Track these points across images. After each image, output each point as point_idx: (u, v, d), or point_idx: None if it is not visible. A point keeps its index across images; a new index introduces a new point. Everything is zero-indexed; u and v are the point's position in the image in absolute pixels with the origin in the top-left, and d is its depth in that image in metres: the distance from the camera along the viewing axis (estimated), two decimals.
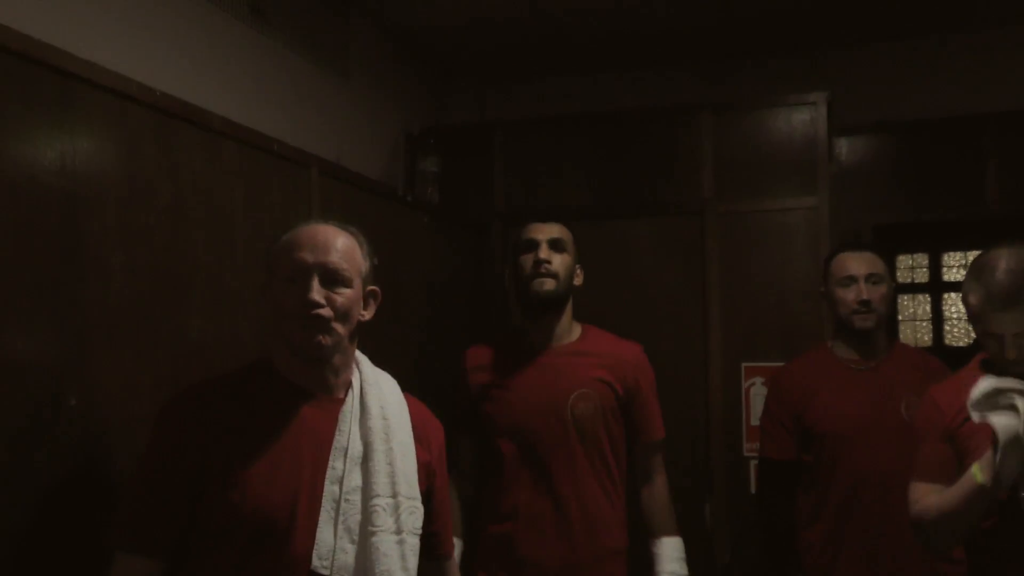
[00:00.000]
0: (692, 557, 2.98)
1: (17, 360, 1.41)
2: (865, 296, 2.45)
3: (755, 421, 3.02)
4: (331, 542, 1.44)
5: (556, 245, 2.32)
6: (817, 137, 3.12)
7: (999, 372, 1.85)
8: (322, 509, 1.45)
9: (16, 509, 1.40)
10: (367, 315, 1.57)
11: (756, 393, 3.04)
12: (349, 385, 1.56)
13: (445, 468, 1.71)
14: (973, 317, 1.91)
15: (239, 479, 1.40)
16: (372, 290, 1.59)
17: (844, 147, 3.53)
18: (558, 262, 2.30)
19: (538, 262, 2.27)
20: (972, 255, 4.98)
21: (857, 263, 2.49)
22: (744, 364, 3.07)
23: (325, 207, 2.31)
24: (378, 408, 1.55)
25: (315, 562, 1.42)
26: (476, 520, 2.35)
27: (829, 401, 2.47)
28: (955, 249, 4.83)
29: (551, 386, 2.27)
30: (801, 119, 3.15)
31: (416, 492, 1.57)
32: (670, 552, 2.33)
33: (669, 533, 2.35)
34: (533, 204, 3.34)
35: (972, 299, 1.88)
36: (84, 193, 1.56)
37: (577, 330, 2.38)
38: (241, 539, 1.39)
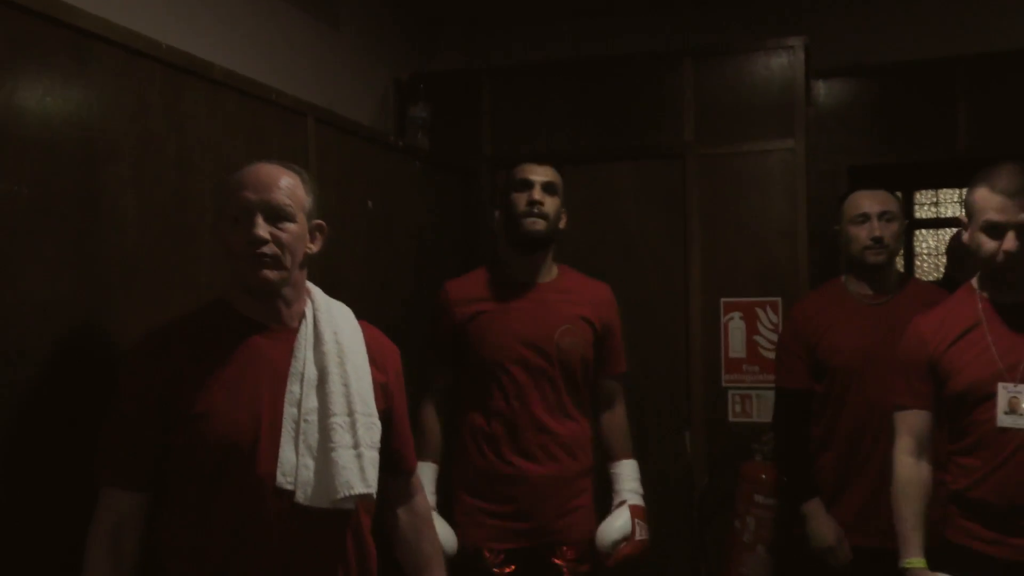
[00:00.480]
0: (672, 482, 3.20)
1: (42, 303, 1.53)
2: (878, 233, 2.57)
3: (733, 354, 3.18)
4: (293, 460, 1.54)
5: (549, 188, 2.44)
6: (795, 81, 3.21)
7: (992, 284, 2.09)
8: (283, 430, 1.55)
9: (44, 436, 1.53)
10: (314, 248, 1.65)
11: (734, 327, 3.19)
12: (302, 315, 1.65)
13: (403, 390, 1.81)
14: (972, 216, 2.08)
15: (204, 409, 1.50)
16: (318, 224, 1.67)
17: (822, 90, 3.63)
18: (550, 204, 2.42)
19: (532, 202, 2.39)
20: (943, 193, 5.13)
21: (871, 201, 2.60)
22: (723, 300, 3.21)
23: (321, 155, 2.41)
24: (331, 334, 1.64)
25: (279, 479, 1.52)
26: (455, 445, 2.49)
27: (840, 334, 2.60)
28: (927, 188, 4.98)
29: (539, 320, 2.41)
30: (779, 63, 3.24)
31: (372, 409, 1.66)
32: (629, 472, 2.52)
33: (628, 455, 2.54)
34: (520, 149, 3.43)
35: (976, 195, 2.06)
36: (100, 146, 1.66)
37: (555, 269, 2.52)
38: (211, 463, 1.50)
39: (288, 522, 1.53)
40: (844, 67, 3.61)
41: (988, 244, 2.04)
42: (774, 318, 3.14)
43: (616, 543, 2.37)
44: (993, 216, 2.02)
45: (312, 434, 1.58)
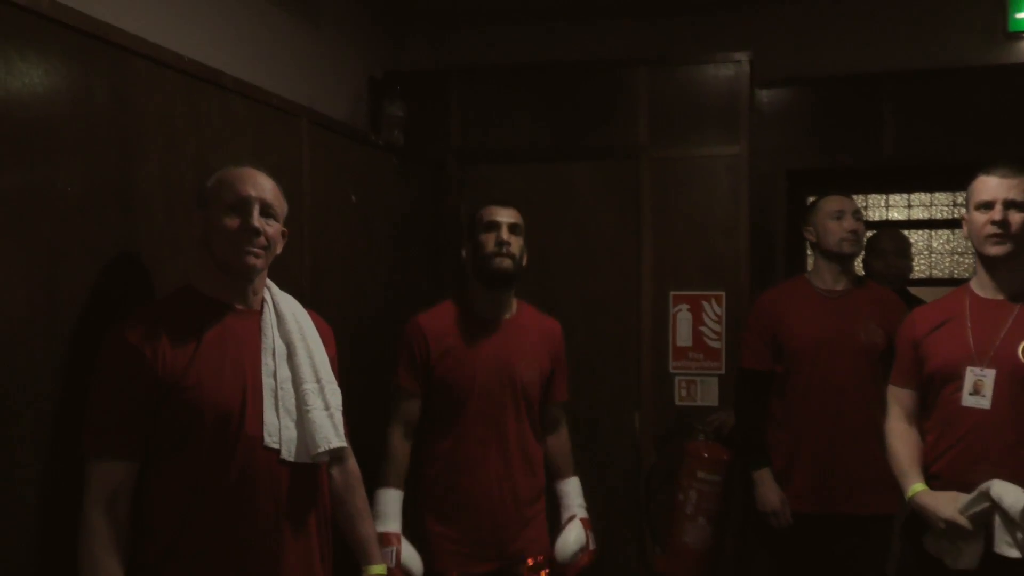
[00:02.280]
0: (622, 460, 3.47)
1: (89, 286, 1.73)
2: (854, 227, 2.96)
3: (680, 342, 3.45)
4: (276, 422, 1.77)
5: (514, 229, 2.64)
6: (740, 92, 3.48)
7: (987, 275, 2.33)
8: (264, 398, 1.76)
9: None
10: (279, 250, 1.88)
11: (682, 318, 3.46)
12: (263, 299, 1.87)
13: (337, 364, 2.00)
14: (968, 202, 2.35)
15: (193, 381, 1.67)
16: (284, 231, 1.89)
17: (764, 98, 3.92)
18: (515, 244, 2.62)
19: (500, 242, 2.58)
20: (872, 198, 5.50)
21: (846, 202, 3.02)
22: (672, 292, 3.48)
23: (313, 152, 2.61)
24: (291, 315, 1.88)
25: (266, 439, 1.75)
26: (421, 472, 2.65)
27: (798, 321, 2.94)
28: (857, 192, 5.34)
29: (504, 356, 2.62)
30: (727, 75, 3.51)
31: (333, 378, 1.92)
32: (575, 489, 2.80)
33: (572, 474, 2.83)
34: (485, 145, 3.65)
35: (972, 184, 2.33)
36: (133, 146, 1.85)
37: (514, 304, 2.73)
38: (206, 428, 1.68)
39: (274, 477, 1.76)
40: (784, 78, 3.90)
41: (980, 219, 2.28)
42: (718, 310, 3.42)
43: (575, 554, 2.64)
44: (985, 195, 2.28)
45: (289, 400, 1.81)
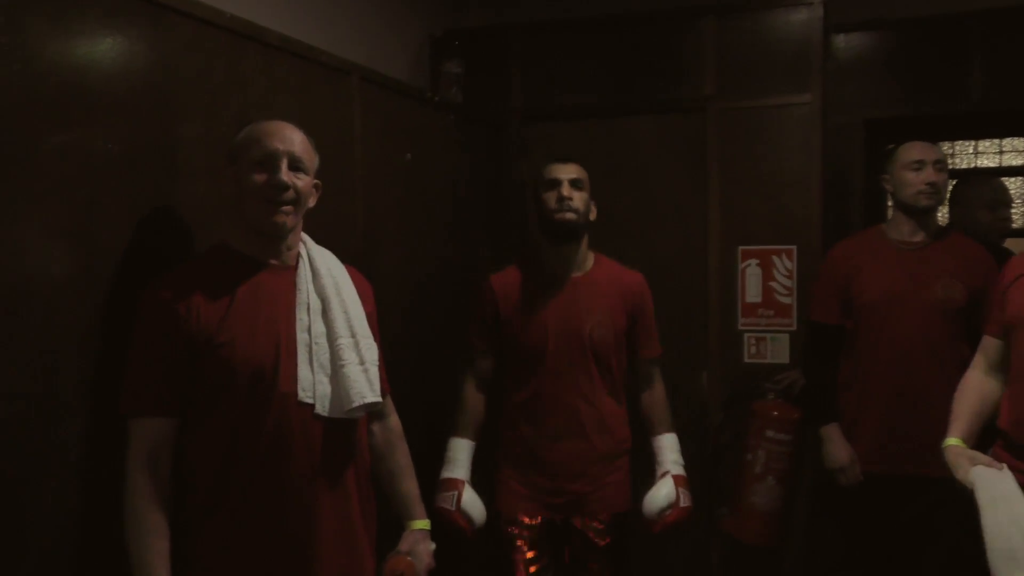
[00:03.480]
0: (690, 418, 3.40)
1: (129, 247, 1.75)
2: (933, 178, 2.79)
3: (749, 299, 3.35)
4: (310, 377, 1.76)
5: (576, 184, 2.63)
6: (812, 36, 3.33)
7: None
8: (298, 353, 1.75)
9: None
10: (312, 203, 1.86)
11: (751, 274, 3.36)
12: (298, 255, 1.85)
13: (377, 321, 1.99)
14: None
15: (229, 338, 1.67)
16: (317, 183, 1.87)
17: (841, 43, 3.74)
18: (578, 199, 2.62)
19: (561, 199, 2.58)
20: (958, 145, 5.22)
21: (927, 150, 2.83)
22: (740, 248, 3.37)
23: (364, 111, 2.59)
24: (326, 270, 1.86)
25: (300, 395, 1.74)
26: (500, 423, 2.73)
27: (872, 275, 2.81)
28: (942, 140, 5.07)
29: (573, 314, 2.62)
30: (799, 19, 3.35)
31: (368, 333, 1.89)
32: (670, 444, 2.74)
33: (668, 430, 2.76)
34: (548, 103, 3.59)
35: None
36: (174, 106, 1.86)
37: (591, 259, 2.72)
38: (240, 385, 1.68)
39: (309, 431, 1.75)
40: (862, 21, 3.70)
41: None
42: (789, 265, 3.31)
43: (662, 510, 2.59)
44: None
45: (323, 354, 1.80)
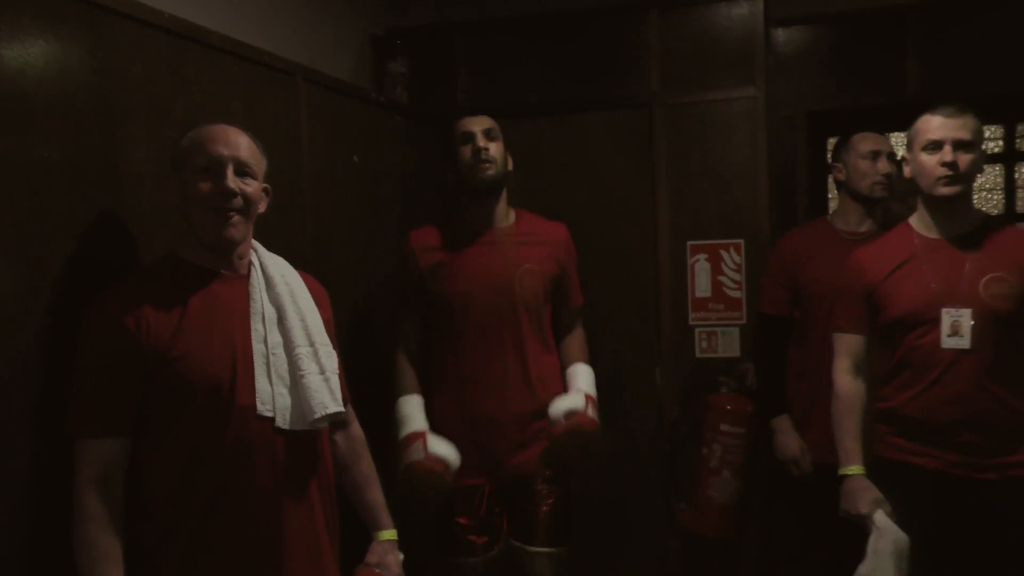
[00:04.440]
0: (644, 414, 3.41)
1: (76, 258, 1.67)
2: (888, 169, 2.86)
3: (699, 293, 3.37)
4: (269, 389, 1.70)
5: (489, 134, 2.60)
6: (755, 31, 3.35)
7: (930, 216, 2.32)
8: (255, 365, 1.70)
9: None
10: (262, 209, 1.80)
11: (700, 268, 3.37)
12: (249, 263, 1.79)
13: (333, 327, 1.94)
14: (913, 144, 2.33)
15: (180, 352, 1.61)
16: (266, 187, 1.81)
17: (780, 38, 3.78)
18: (494, 149, 2.59)
19: (477, 150, 2.56)
20: (893, 136, 5.33)
21: (879, 142, 2.91)
22: (689, 242, 3.38)
23: (310, 113, 2.53)
24: (280, 277, 1.81)
25: (259, 407, 1.68)
26: (428, 389, 2.63)
27: (820, 265, 2.83)
28: (881, 131, 5.19)
29: (499, 265, 2.57)
30: (740, 13, 3.38)
31: (327, 340, 1.85)
32: (584, 372, 2.69)
33: (585, 362, 2.72)
34: (494, 101, 3.54)
35: (916, 124, 2.34)
36: (115, 111, 1.79)
37: (512, 214, 2.68)
38: (197, 400, 1.62)
39: (271, 446, 1.69)
40: (801, 15, 3.73)
41: (929, 160, 2.26)
42: (737, 259, 3.33)
43: (567, 412, 2.52)
44: (933, 135, 2.26)
45: (281, 365, 1.74)
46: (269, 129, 2.27)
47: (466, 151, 2.58)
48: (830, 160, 3.07)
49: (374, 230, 2.92)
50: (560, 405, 2.54)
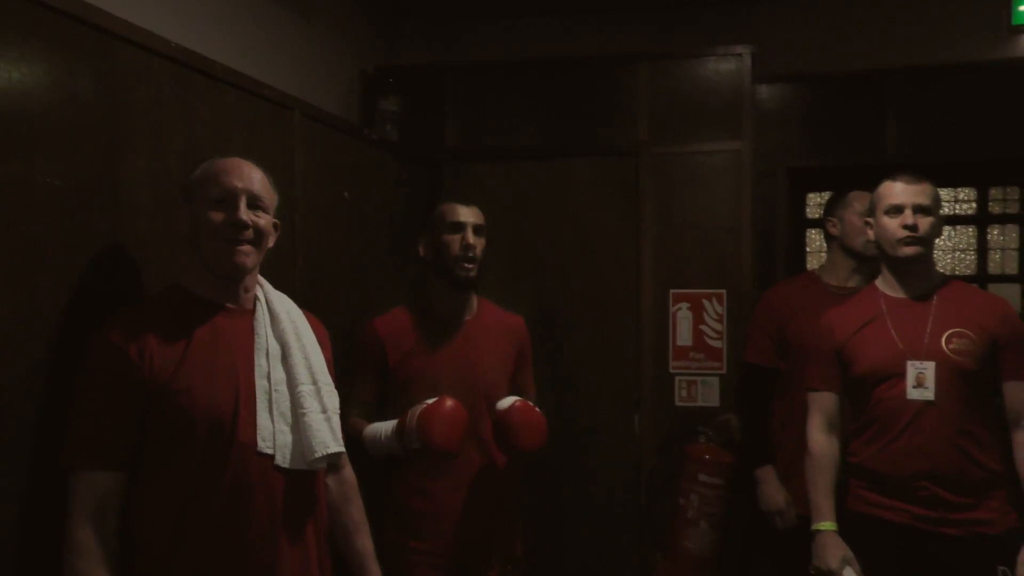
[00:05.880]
0: (622, 461, 3.39)
1: (75, 286, 1.64)
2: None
3: (681, 342, 3.38)
4: (270, 426, 1.68)
5: (478, 230, 2.54)
6: (742, 86, 3.41)
7: (894, 277, 2.40)
8: (257, 401, 1.67)
9: None
10: (271, 243, 1.79)
11: (682, 317, 3.39)
12: (255, 298, 1.78)
13: (332, 367, 1.90)
14: (876, 208, 2.43)
15: (185, 385, 1.59)
16: (276, 222, 1.81)
17: (764, 94, 3.85)
18: (480, 247, 2.53)
19: (466, 246, 2.49)
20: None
21: (864, 200, 2.90)
22: (672, 291, 3.40)
23: (305, 147, 2.52)
24: (285, 314, 1.80)
25: (260, 444, 1.66)
26: (387, 482, 2.51)
27: (807, 318, 2.83)
28: (859, 189, 5.30)
29: (467, 360, 2.51)
30: (728, 69, 3.44)
31: (330, 380, 1.84)
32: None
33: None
34: (481, 142, 3.57)
35: (878, 189, 2.44)
36: (118, 140, 1.76)
37: (475, 303, 2.62)
38: (198, 435, 1.59)
39: (270, 483, 1.66)
40: (784, 74, 3.83)
41: (891, 223, 2.36)
42: (719, 309, 3.36)
43: (512, 403, 2.44)
44: (894, 199, 2.37)
45: (284, 402, 1.72)
46: (266, 161, 2.23)
47: (454, 242, 2.50)
48: (823, 214, 3.11)
49: (363, 267, 2.90)
50: (506, 399, 2.50)
